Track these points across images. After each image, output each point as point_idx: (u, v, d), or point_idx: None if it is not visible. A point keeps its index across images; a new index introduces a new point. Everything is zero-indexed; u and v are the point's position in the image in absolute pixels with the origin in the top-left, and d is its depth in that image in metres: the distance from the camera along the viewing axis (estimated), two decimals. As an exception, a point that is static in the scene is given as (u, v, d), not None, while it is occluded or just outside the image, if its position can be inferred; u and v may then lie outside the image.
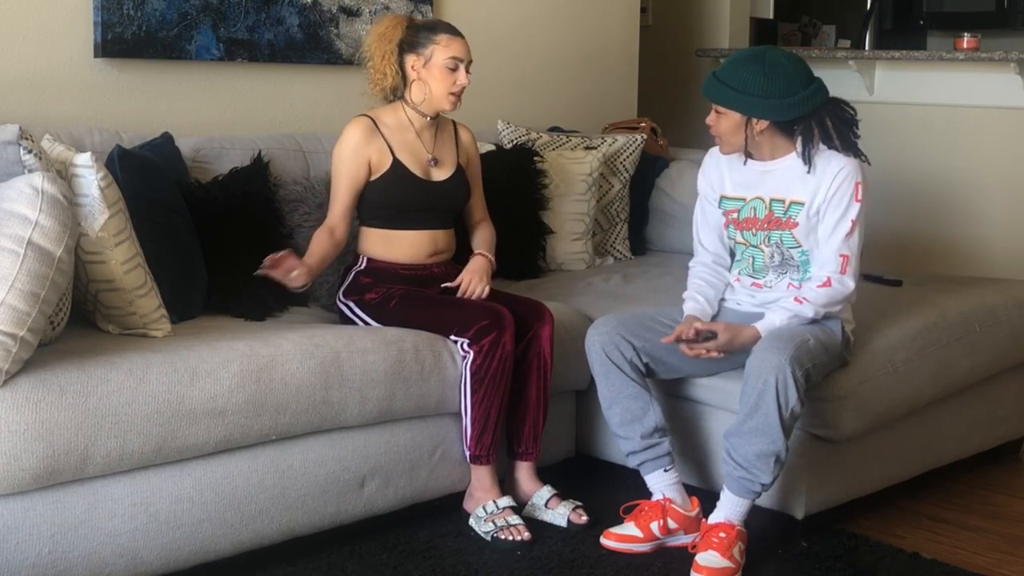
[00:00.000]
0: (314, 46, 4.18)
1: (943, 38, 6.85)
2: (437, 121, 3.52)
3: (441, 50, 3.39)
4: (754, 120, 3.14)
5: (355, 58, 4.24)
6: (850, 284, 3.16)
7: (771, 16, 6.44)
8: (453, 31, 3.45)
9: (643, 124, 4.92)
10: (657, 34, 6.04)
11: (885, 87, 5.35)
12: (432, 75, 3.39)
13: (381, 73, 3.43)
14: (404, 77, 3.44)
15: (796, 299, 3.14)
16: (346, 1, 4.25)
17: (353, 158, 3.41)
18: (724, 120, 3.17)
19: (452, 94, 3.40)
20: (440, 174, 3.50)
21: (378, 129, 3.43)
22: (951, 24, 6.76)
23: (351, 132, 3.43)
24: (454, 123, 3.62)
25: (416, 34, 3.42)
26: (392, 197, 3.43)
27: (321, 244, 3.37)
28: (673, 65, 6.11)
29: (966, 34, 5.27)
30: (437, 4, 4.53)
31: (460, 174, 3.55)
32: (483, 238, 3.61)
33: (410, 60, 3.41)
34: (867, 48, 6.77)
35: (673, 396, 3.44)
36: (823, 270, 3.16)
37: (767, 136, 3.17)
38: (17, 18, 3.58)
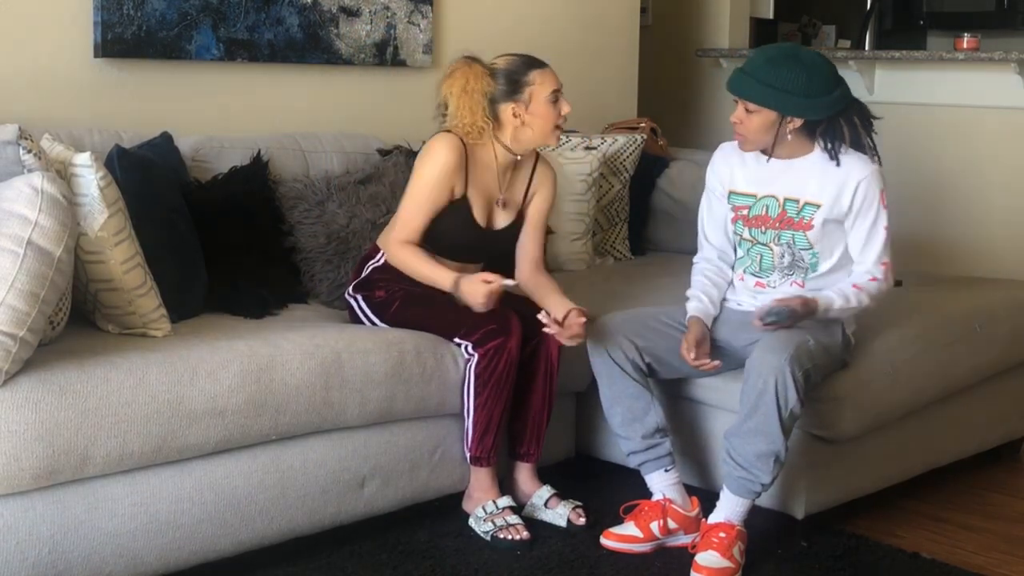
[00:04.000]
0: (314, 46, 4.18)
1: (943, 38, 6.85)
2: (521, 159, 3.42)
3: (539, 89, 3.30)
4: (787, 118, 3.11)
5: (355, 58, 4.25)
6: (891, 285, 3.23)
7: (771, 16, 6.44)
8: (539, 63, 3.36)
9: (643, 124, 4.92)
10: (657, 34, 6.04)
11: (885, 87, 5.35)
12: (537, 115, 3.30)
13: (477, 128, 3.29)
14: (496, 121, 3.33)
15: (855, 286, 3.15)
16: (346, 1, 4.25)
17: (443, 182, 3.28)
18: (756, 118, 3.12)
19: (558, 127, 3.35)
20: (502, 220, 3.42)
21: (466, 158, 3.31)
22: (951, 24, 6.75)
23: (445, 153, 3.28)
24: (537, 157, 3.49)
25: (506, 82, 3.30)
26: (446, 234, 3.34)
27: (417, 254, 3.27)
28: (673, 65, 6.11)
29: (966, 34, 5.27)
30: (437, 4, 4.53)
31: (519, 220, 3.46)
32: (555, 291, 3.35)
33: (509, 109, 3.30)
34: (867, 48, 6.76)
35: (674, 396, 3.43)
36: (865, 277, 3.18)
37: (795, 135, 3.14)
38: (17, 18, 3.58)
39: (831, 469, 3.32)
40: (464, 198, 3.33)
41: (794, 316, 3.06)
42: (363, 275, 3.41)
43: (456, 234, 3.36)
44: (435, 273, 3.28)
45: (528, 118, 3.31)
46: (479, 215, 3.37)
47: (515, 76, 3.32)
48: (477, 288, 3.18)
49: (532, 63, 3.36)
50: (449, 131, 3.33)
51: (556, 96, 3.32)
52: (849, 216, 3.14)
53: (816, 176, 3.15)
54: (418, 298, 3.35)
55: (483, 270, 3.36)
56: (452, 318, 3.28)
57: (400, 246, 3.32)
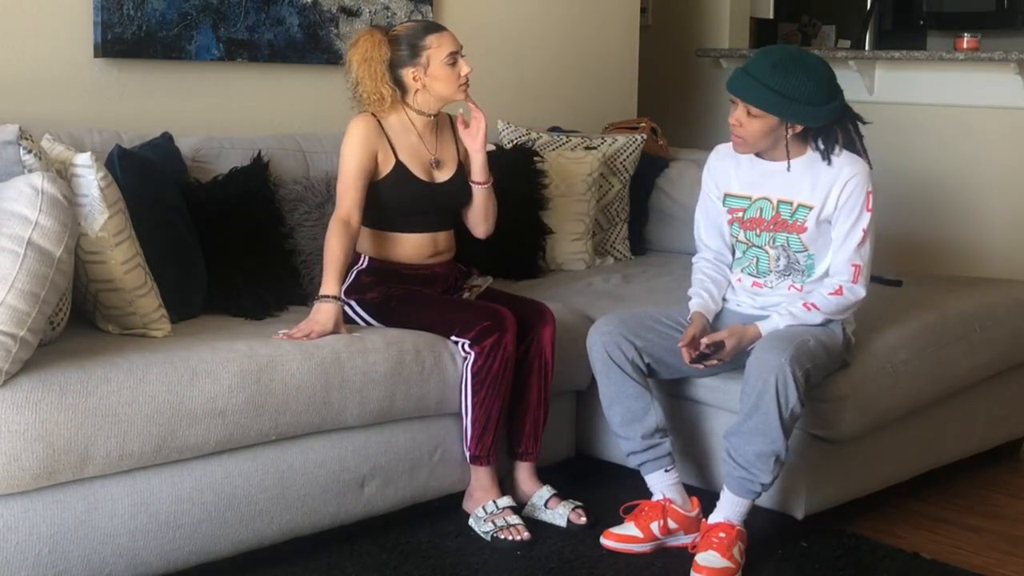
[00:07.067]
0: (314, 46, 4.18)
1: (943, 38, 6.85)
2: (437, 120, 3.51)
3: (436, 52, 3.37)
4: (789, 124, 3.10)
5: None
6: (861, 292, 3.16)
7: (771, 16, 6.45)
8: (436, 28, 3.44)
9: (643, 124, 4.92)
10: (657, 34, 6.04)
11: (885, 87, 5.35)
12: (436, 78, 3.38)
13: (377, 95, 3.39)
14: (402, 87, 3.42)
15: (805, 305, 3.13)
16: (346, 1, 4.25)
17: (363, 147, 3.36)
18: (758, 123, 3.09)
19: (461, 86, 3.41)
20: (442, 175, 3.49)
21: (382, 129, 3.42)
22: (951, 24, 6.76)
23: (358, 125, 3.39)
24: (451, 118, 3.59)
25: (404, 47, 3.38)
26: (394, 199, 3.41)
27: (342, 244, 3.25)
28: (673, 65, 6.11)
29: (966, 34, 5.27)
30: (437, 4, 4.53)
31: (461, 174, 3.53)
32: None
33: (408, 73, 3.39)
34: (867, 48, 6.77)
35: (673, 396, 3.44)
36: (834, 278, 3.15)
37: (793, 139, 3.14)
38: (17, 18, 3.58)
39: (831, 469, 3.32)
40: (398, 164, 3.39)
41: (722, 350, 3.12)
42: (351, 279, 3.41)
43: (404, 197, 3.41)
44: (326, 270, 3.26)
45: (428, 80, 3.39)
46: (419, 175, 3.43)
47: (413, 41, 3.39)
48: (325, 319, 3.16)
49: (430, 27, 3.45)
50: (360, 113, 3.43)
51: (454, 58, 3.39)
52: (833, 213, 3.14)
53: (808, 178, 3.15)
54: (414, 298, 3.37)
55: (435, 230, 3.46)
56: (448, 317, 3.29)
57: (333, 224, 3.31)
